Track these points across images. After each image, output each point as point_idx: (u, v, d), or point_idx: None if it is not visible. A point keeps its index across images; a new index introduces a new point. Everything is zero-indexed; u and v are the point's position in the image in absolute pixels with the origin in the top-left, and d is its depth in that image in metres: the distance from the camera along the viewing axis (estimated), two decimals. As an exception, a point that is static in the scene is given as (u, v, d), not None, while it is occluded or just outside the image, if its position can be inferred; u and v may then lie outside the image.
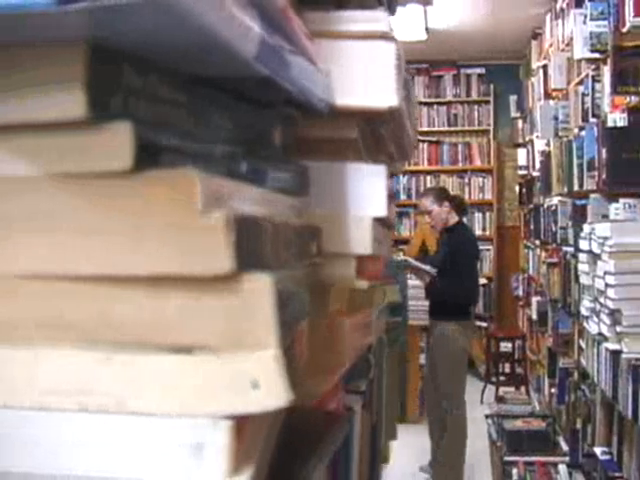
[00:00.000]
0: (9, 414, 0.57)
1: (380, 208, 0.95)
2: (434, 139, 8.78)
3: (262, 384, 0.55)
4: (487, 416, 5.50)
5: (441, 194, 5.04)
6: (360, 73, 0.91)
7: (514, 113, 8.60)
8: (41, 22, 0.50)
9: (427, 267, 4.90)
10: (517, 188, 8.26)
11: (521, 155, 7.97)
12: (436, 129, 8.83)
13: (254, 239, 0.59)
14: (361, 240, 0.93)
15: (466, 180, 8.75)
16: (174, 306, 0.55)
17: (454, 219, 4.95)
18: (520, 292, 7.92)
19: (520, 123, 8.28)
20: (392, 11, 1.24)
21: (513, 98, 8.60)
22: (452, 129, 8.90)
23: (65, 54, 0.53)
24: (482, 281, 7.88)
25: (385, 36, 0.92)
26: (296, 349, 0.64)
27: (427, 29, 7.10)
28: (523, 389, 7.01)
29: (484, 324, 8.20)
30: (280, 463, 0.71)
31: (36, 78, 0.54)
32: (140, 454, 0.56)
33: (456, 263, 4.76)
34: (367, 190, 0.94)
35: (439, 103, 8.91)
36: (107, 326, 0.56)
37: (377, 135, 1.17)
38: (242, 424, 0.57)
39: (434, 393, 4.92)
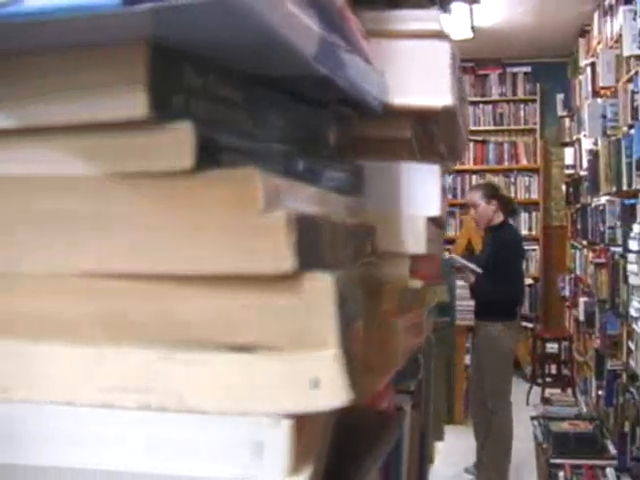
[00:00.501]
0: (71, 411, 0.57)
1: (434, 207, 0.94)
2: (480, 138, 8.73)
3: (323, 383, 0.55)
4: (533, 418, 5.46)
5: (490, 191, 4.98)
6: (415, 72, 0.91)
7: (561, 112, 8.53)
8: (103, 23, 0.50)
9: (473, 265, 4.86)
10: (564, 187, 8.19)
11: (568, 154, 7.90)
12: (482, 128, 8.78)
13: (314, 238, 0.59)
14: (415, 239, 0.93)
15: (512, 179, 8.70)
16: (236, 305, 0.55)
17: (499, 218, 4.90)
18: (567, 293, 7.85)
19: (567, 122, 8.21)
20: (444, 10, 1.23)
21: (560, 97, 8.52)
22: (498, 128, 8.85)
23: (127, 55, 0.54)
24: (528, 281, 7.82)
25: (439, 35, 0.92)
26: (354, 349, 0.64)
27: (473, 27, 7.06)
28: (569, 391, 6.95)
29: (530, 325, 8.14)
30: (334, 463, 0.71)
31: (98, 79, 0.55)
32: (200, 452, 0.56)
33: (501, 263, 4.72)
34: (421, 189, 0.93)
35: (485, 102, 8.86)
36: (169, 325, 0.56)
37: (429, 134, 1.17)
38: (301, 423, 0.57)
39: (479, 394, 4.89)
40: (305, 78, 0.70)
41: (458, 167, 8.17)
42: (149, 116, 0.53)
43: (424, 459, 1.70)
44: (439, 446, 2.15)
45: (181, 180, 0.55)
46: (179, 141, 0.54)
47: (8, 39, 0.54)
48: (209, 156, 0.56)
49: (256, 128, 0.67)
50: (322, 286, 0.55)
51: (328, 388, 0.55)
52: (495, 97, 8.88)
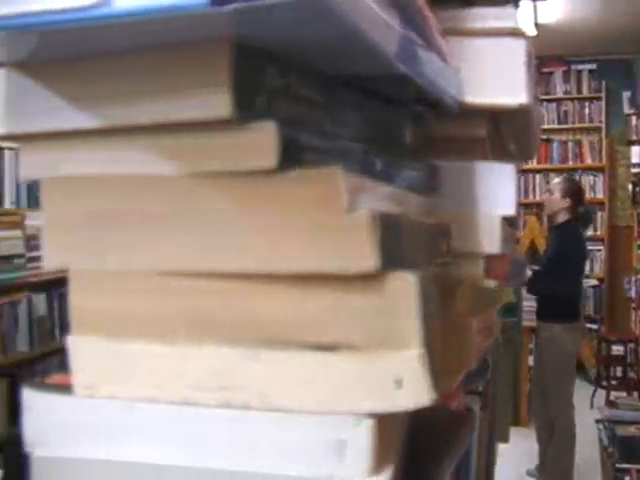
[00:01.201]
0: (156, 408, 0.58)
1: (509, 207, 0.93)
2: (544, 137, 8.61)
3: (405, 383, 0.55)
4: (598, 421, 5.37)
5: (570, 190, 4.89)
6: (490, 71, 0.90)
7: (627, 109, 8.38)
8: (189, 24, 0.51)
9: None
10: (630, 187, 8.05)
11: (635, 153, 7.77)
12: (546, 127, 8.66)
13: (395, 238, 0.58)
14: (490, 239, 0.92)
15: (577, 179, 8.57)
16: (319, 304, 0.55)
17: (564, 217, 4.83)
18: (633, 294, 7.71)
19: (634, 120, 8.07)
20: (516, 7, 1.22)
21: (626, 94, 8.37)
22: (562, 127, 8.73)
23: (211, 55, 0.54)
24: (592, 282, 7.71)
25: (515, 33, 0.91)
26: (434, 348, 0.64)
27: (536, 24, 6.98)
28: (636, 394, 6.82)
29: (595, 326, 8.02)
30: (410, 462, 0.71)
31: (183, 79, 0.55)
32: (282, 450, 0.56)
33: (561, 261, 4.65)
34: (497, 189, 0.93)
35: (549, 100, 8.75)
36: (252, 324, 0.57)
37: (499, 133, 1.16)
38: (382, 423, 0.57)
39: (540, 396, 4.83)
40: (383, 77, 0.69)
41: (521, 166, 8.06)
42: (233, 116, 0.54)
43: (491, 461, 1.69)
44: (501, 448, 2.13)
45: (265, 180, 0.55)
46: (263, 141, 0.54)
47: (96, 40, 0.55)
48: (291, 156, 0.56)
49: (335, 127, 0.67)
50: (405, 286, 0.55)
51: (411, 388, 0.55)
52: (559, 95, 8.76)
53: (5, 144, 4.30)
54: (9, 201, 4.32)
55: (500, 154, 1.22)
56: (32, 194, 4.52)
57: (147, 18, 0.48)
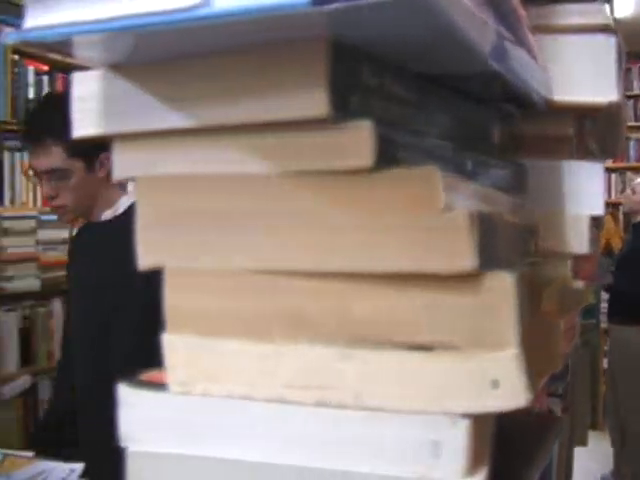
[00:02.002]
0: (249, 406, 0.58)
1: (598, 206, 0.92)
2: (619, 136, 8.45)
3: (502, 384, 0.54)
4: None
5: None
6: (579, 68, 0.89)
7: None
8: (287, 23, 0.51)
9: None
10: None
11: None
12: (622, 125, 8.50)
13: (490, 237, 0.58)
14: (578, 239, 0.91)
15: (653, 178, 8.41)
16: (414, 304, 0.55)
17: (640, 218, 4.74)
18: None
19: None
20: (606, 2, 1.20)
21: None
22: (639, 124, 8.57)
23: (307, 54, 0.54)
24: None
25: (605, 29, 0.90)
26: (527, 349, 0.63)
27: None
28: None
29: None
30: (499, 464, 0.70)
31: (279, 78, 0.55)
32: (376, 449, 0.56)
33: (635, 261, 4.56)
34: (585, 188, 0.91)
35: (627, 97, 8.58)
36: (346, 323, 0.57)
37: (583, 132, 1.14)
38: (477, 423, 0.56)
39: (613, 400, 4.75)
40: (474, 75, 0.69)
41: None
42: (329, 115, 0.54)
43: (570, 465, 1.66)
44: (577, 452, 2.09)
45: (360, 179, 0.55)
46: (359, 140, 0.54)
47: (193, 41, 0.55)
48: (386, 155, 0.56)
49: (427, 126, 0.67)
50: (504, 286, 0.54)
51: (507, 388, 0.54)
52: (637, 92, 8.59)
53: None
54: None
55: (583, 153, 1.20)
56: None
57: (246, 18, 0.48)
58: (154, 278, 1.95)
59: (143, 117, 0.61)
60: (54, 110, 2.01)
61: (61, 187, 2.07)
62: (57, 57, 4.13)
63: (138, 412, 0.61)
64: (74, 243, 2.33)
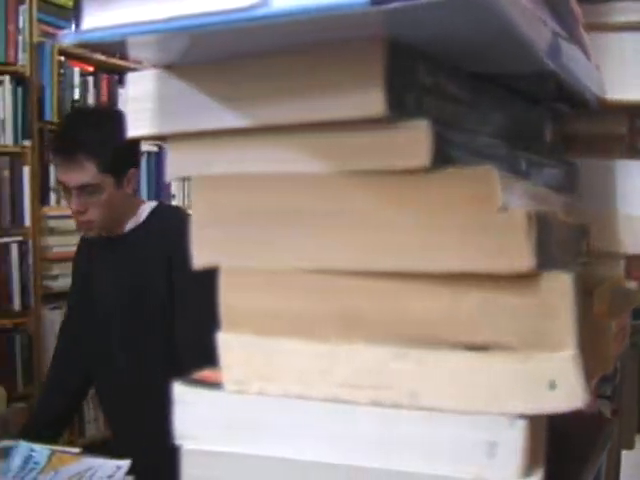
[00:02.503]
0: (304, 405, 0.59)
1: (651, 207, 0.91)
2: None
3: (559, 385, 0.54)
4: None
5: None
6: (632, 66, 0.88)
7: None
8: (345, 22, 0.51)
9: None
10: None
11: None
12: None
13: (546, 236, 0.57)
14: (631, 239, 0.90)
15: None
16: (470, 304, 0.55)
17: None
18: None
19: None
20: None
21: None
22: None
23: (364, 53, 0.54)
24: None
25: (659, 26, 0.88)
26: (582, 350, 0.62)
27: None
28: None
29: None
30: (553, 466, 0.70)
31: (335, 77, 0.55)
32: (432, 449, 0.56)
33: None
34: (637, 188, 0.90)
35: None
36: (402, 323, 0.56)
37: (635, 130, 1.13)
38: (533, 424, 0.56)
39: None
40: (527, 74, 0.69)
41: None
42: (386, 115, 0.54)
43: (617, 468, 1.65)
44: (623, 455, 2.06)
45: (416, 178, 0.55)
46: (416, 140, 0.54)
47: (249, 40, 0.55)
48: (441, 154, 0.56)
49: (481, 126, 0.67)
50: (561, 286, 0.54)
51: (565, 389, 0.54)
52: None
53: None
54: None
55: (634, 152, 1.18)
56: (152, 193, 4.62)
57: (304, 18, 0.48)
58: (178, 280, 1.94)
59: (198, 117, 0.61)
60: (86, 125, 2.04)
61: (90, 203, 2.05)
62: (102, 58, 4.17)
63: (193, 410, 0.62)
64: (91, 251, 2.26)
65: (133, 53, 0.64)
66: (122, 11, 0.55)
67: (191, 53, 0.60)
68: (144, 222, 2.14)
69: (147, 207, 2.18)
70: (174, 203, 4.80)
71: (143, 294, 2.07)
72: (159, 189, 4.68)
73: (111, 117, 2.05)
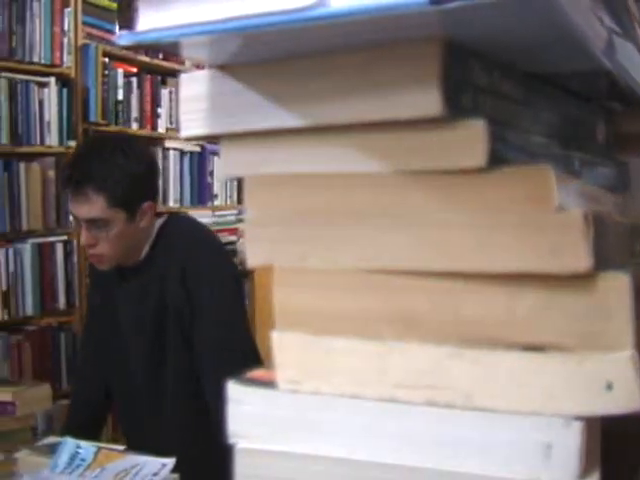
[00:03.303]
0: (359, 404, 0.59)
1: None
2: None
3: (617, 386, 0.53)
4: None
5: None
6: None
7: None
8: (402, 22, 0.51)
9: None
10: None
11: None
12: None
13: (602, 236, 0.57)
14: (684, 239, 0.88)
15: None
16: (526, 304, 0.55)
17: None
18: None
19: None
20: None
21: None
22: None
23: (421, 52, 0.54)
24: None
25: None
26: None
27: None
28: None
29: None
30: (606, 468, 0.69)
31: (391, 77, 0.55)
32: (487, 450, 0.56)
33: None
34: (692, 187, 0.89)
35: None
36: (457, 323, 0.56)
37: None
38: (589, 426, 0.55)
39: None
40: (581, 73, 0.68)
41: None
42: (442, 114, 0.53)
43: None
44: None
45: (473, 178, 0.55)
46: (472, 139, 0.54)
47: (305, 40, 0.56)
48: (497, 154, 0.56)
49: (534, 125, 0.66)
50: (618, 286, 0.53)
51: (622, 391, 0.53)
52: None
53: (169, 144, 4.45)
54: (173, 199, 4.47)
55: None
56: (194, 193, 4.66)
57: (362, 18, 0.49)
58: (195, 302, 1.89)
59: (251, 117, 0.62)
60: (97, 157, 1.96)
61: (100, 237, 1.98)
62: (145, 59, 4.21)
63: (247, 409, 0.62)
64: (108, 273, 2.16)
65: (186, 53, 0.65)
66: (177, 12, 0.55)
67: (244, 53, 0.60)
68: (154, 241, 2.08)
69: (157, 224, 2.10)
70: (216, 203, 4.84)
71: (160, 310, 2.03)
72: (201, 189, 4.71)
73: (125, 149, 1.98)
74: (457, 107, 0.55)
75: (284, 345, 0.61)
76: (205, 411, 1.98)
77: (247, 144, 0.63)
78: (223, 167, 0.65)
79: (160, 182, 4.32)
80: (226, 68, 0.63)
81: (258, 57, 0.61)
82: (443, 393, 0.56)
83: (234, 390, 0.62)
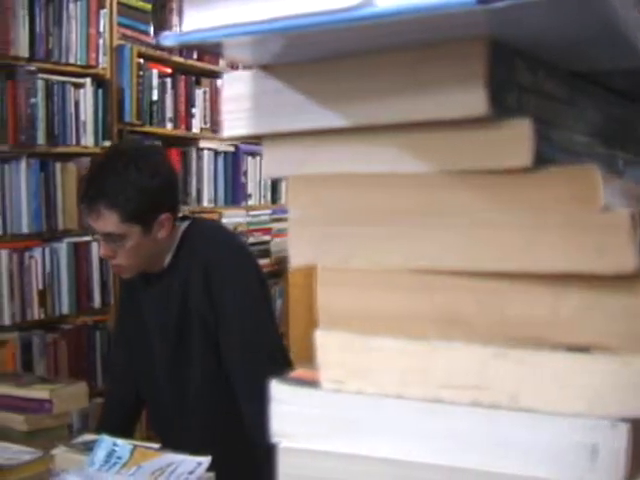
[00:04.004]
0: (402, 404, 0.59)
1: None
2: None
3: (663, 387, 0.53)
4: None
5: None
6: None
7: None
8: (448, 21, 0.51)
9: None
10: None
11: None
12: None
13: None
14: None
15: None
16: (572, 305, 0.54)
17: None
18: None
19: None
20: None
21: None
22: None
23: (466, 52, 0.54)
24: None
25: None
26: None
27: None
28: None
29: None
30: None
31: (436, 76, 0.55)
32: (532, 451, 0.56)
33: None
34: None
35: None
36: (502, 323, 0.56)
37: None
38: (636, 428, 0.55)
39: None
40: (623, 71, 0.68)
41: None
42: (488, 114, 0.53)
43: None
44: None
45: (518, 178, 0.54)
46: (518, 138, 0.54)
47: (349, 40, 0.56)
48: (541, 153, 0.55)
49: (578, 124, 0.66)
50: (666, 287, 0.53)
51: (669, 393, 0.53)
52: None
53: (204, 145, 4.46)
54: (207, 199, 4.49)
55: None
56: (228, 193, 4.68)
57: (409, 17, 0.48)
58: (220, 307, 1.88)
59: (294, 116, 0.62)
60: (110, 173, 1.96)
61: (117, 249, 1.99)
62: (179, 60, 4.23)
63: (290, 409, 0.62)
64: (135, 287, 2.19)
65: (229, 53, 0.65)
66: (222, 12, 0.55)
67: (288, 52, 0.60)
68: (178, 246, 2.08)
69: (180, 230, 2.10)
70: (250, 203, 4.85)
71: (184, 314, 2.05)
72: (235, 189, 4.73)
73: (138, 164, 1.97)
74: (502, 107, 0.54)
75: (327, 345, 0.61)
76: (232, 412, 2.00)
77: (290, 144, 0.63)
78: (266, 167, 0.65)
79: (194, 182, 4.37)
80: (269, 68, 0.63)
81: (301, 57, 0.61)
82: (488, 394, 0.56)
83: (277, 390, 0.62)
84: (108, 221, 1.96)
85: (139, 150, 2.06)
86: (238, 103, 0.65)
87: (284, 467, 0.62)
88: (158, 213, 2.00)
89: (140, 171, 1.95)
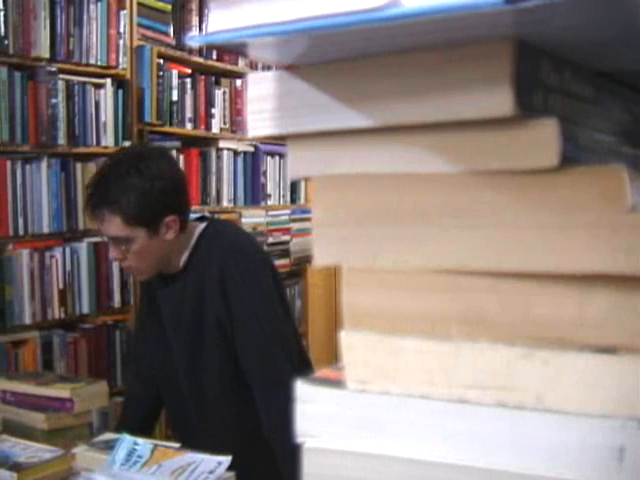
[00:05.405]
0: (427, 405, 0.59)
1: None
2: None
3: (690, 389, 0.53)
4: None
5: None
6: None
7: None
8: (475, 21, 0.51)
9: None
10: None
11: None
12: None
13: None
14: None
15: None
16: (599, 305, 0.54)
17: None
18: None
19: None
20: None
21: None
22: None
23: (492, 52, 0.54)
24: None
25: None
26: None
27: None
28: None
29: None
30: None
31: (462, 77, 0.55)
32: (557, 453, 0.55)
33: None
34: None
35: None
36: (527, 323, 0.56)
37: None
38: (662, 430, 0.55)
39: None
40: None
41: None
42: (514, 114, 0.53)
43: None
44: None
45: (544, 178, 0.54)
46: (544, 138, 0.53)
47: (375, 40, 0.56)
48: (568, 153, 0.55)
49: (603, 123, 0.66)
50: (692, 287, 0.52)
51: (696, 394, 0.53)
52: None
53: (223, 145, 4.47)
54: (227, 199, 4.49)
55: None
56: (248, 193, 4.68)
57: (436, 17, 0.48)
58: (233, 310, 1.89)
59: (319, 117, 0.62)
60: (112, 178, 1.98)
61: (126, 252, 2.02)
62: (199, 60, 4.24)
63: (315, 409, 0.62)
64: (155, 288, 2.20)
65: (254, 54, 0.65)
66: (247, 13, 0.56)
67: (312, 52, 0.60)
68: (194, 247, 2.10)
69: (197, 231, 2.12)
70: (269, 203, 4.85)
71: (198, 314, 2.06)
72: (254, 189, 4.74)
73: (140, 168, 1.98)
74: (528, 107, 0.54)
75: (353, 345, 0.61)
76: (251, 414, 2.00)
77: (315, 144, 0.63)
78: (290, 168, 0.65)
79: (214, 182, 4.37)
80: (293, 68, 0.63)
81: (326, 57, 0.61)
82: (514, 394, 0.56)
83: (302, 390, 0.63)
84: (112, 225, 1.99)
85: (142, 154, 2.07)
86: (263, 103, 0.65)
87: (308, 467, 0.62)
88: (163, 215, 2.02)
89: (141, 174, 1.97)
